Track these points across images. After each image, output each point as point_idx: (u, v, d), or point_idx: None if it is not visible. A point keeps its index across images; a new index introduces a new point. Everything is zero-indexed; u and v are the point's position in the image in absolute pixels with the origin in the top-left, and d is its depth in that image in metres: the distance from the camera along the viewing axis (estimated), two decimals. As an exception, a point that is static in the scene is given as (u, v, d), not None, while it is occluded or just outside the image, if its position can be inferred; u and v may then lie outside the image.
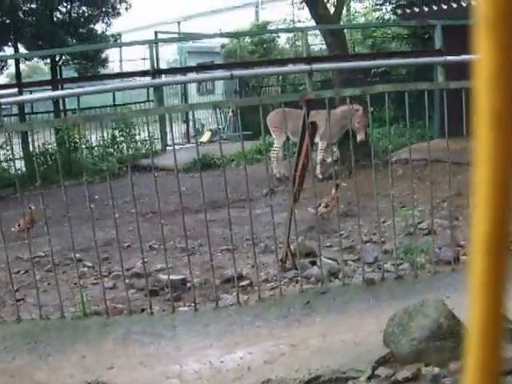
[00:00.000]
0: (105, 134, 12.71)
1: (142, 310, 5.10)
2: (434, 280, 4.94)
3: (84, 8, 12.87)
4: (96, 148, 12.87)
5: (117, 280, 6.30)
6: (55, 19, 12.56)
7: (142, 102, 14.25)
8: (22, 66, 15.57)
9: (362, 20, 16.43)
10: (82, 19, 12.75)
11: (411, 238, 6.87)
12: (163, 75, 12.09)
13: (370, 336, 4.11)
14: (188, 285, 5.70)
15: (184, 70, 13.16)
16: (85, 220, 9.10)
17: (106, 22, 13.15)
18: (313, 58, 5.33)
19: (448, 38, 11.34)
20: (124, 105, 14.36)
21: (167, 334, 4.55)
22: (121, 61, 18.08)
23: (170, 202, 10.05)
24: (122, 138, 13.29)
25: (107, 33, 13.37)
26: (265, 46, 16.53)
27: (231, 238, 5.54)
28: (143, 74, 12.24)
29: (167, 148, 13.92)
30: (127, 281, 6.28)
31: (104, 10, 12.89)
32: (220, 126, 15.77)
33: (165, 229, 8.21)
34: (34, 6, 12.16)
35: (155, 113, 10.68)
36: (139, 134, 13.60)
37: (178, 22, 19.90)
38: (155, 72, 11.80)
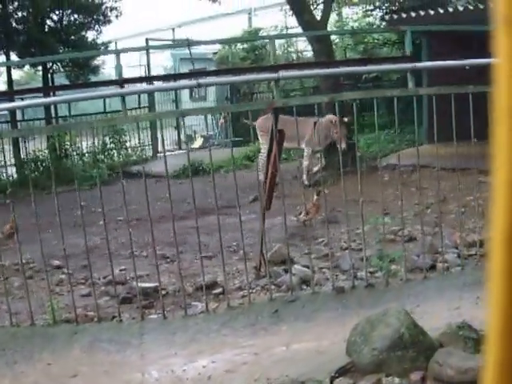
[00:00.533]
0: (96, 141, 12.92)
1: (113, 318, 5.10)
2: (405, 288, 4.93)
3: (75, 16, 12.92)
4: (87, 155, 12.91)
5: (93, 287, 6.30)
6: (47, 27, 12.62)
7: (133, 109, 14.27)
8: (19, 74, 15.64)
9: (354, 26, 16.45)
10: (74, 27, 12.79)
11: (390, 245, 6.90)
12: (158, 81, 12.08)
13: (335, 345, 4.10)
14: (164, 292, 5.70)
15: (174, 77, 13.15)
16: (70, 227, 9.13)
17: (97, 30, 13.23)
18: (281, 65, 5.37)
19: (438, 44, 11.37)
20: (116, 111, 14.38)
21: (134, 341, 4.55)
22: (117, 67, 18.05)
23: (156, 209, 10.06)
24: (112, 145, 13.33)
25: (98, 40, 13.42)
26: (256, 52, 16.58)
27: (201, 245, 5.51)
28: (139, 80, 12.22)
29: (158, 154, 13.95)
30: (103, 288, 6.31)
31: (95, 17, 12.94)
32: (211, 133, 15.81)
33: (148, 236, 8.32)
34: (25, 13, 12.21)
35: (144, 119, 10.72)
36: (130, 141, 13.64)
37: (173, 29, 19.95)
38: (148, 79, 11.79)
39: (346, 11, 16.34)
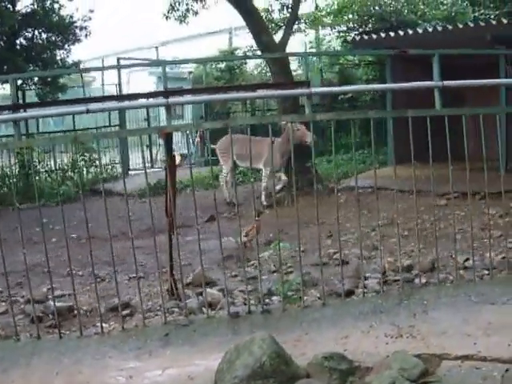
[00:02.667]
0: (65, 159, 13.02)
1: (17, 336, 5.09)
2: (301, 315, 4.88)
3: (46, 34, 13.07)
4: (56, 171, 12.98)
5: (12, 305, 6.30)
6: (18, 46, 12.78)
7: (103, 127, 14.37)
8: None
9: (329, 47, 16.54)
10: (44, 46, 12.92)
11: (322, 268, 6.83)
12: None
13: (207, 372, 4.07)
14: (75, 312, 5.69)
15: (150, 95, 13.22)
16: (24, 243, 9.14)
17: (65, 49, 13.36)
18: (171, 91, 5.39)
19: (402, 66, 11.38)
20: (85, 129, 14.47)
21: (22, 361, 4.53)
22: (103, 84, 18.32)
23: (112, 227, 10.05)
24: (82, 163, 13.39)
25: (68, 59, 13.55)
26: (232, 72, 16.65)
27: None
28: (112, 98, 12.28)
29: (129, 172, 14.00)
30: (22, 306, 6.32)
31: (65, 36, 13.09)
32: (185, 151, 15.88)
33: (93, 254, 8.33)
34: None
35: (111, 136, 10.80)
36: (100, 159, 13.63)
37: (156, 48, 20.14)
38: (119, 97, 11.85)
39: (323, 32, 16.45)
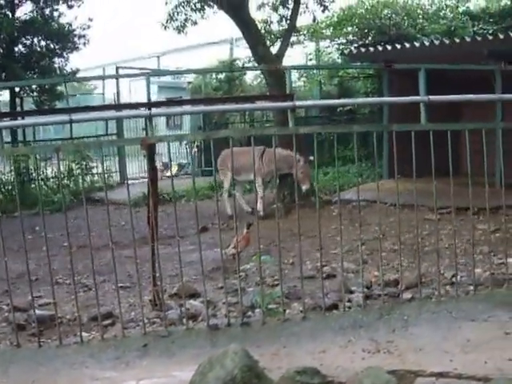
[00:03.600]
0: (62, 167, 12.98)
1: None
2: (280, 328, 4.85)
3: (45, 42, 13.13)
4: (51, 179, 13.00)
5: (-3, 313, 6.31)
6: (16, 53, 12.84)
7: (100, 136, 14.42)
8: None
9: (329, 59, 16.58)
10: (43, 53, 12.98)
11: (309, 281, 6.82)
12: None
13: (182, 383, 4.04)
14: (58, 320, 5.66)
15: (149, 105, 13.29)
16: (14, 251, 9.13)
17: (64, 57, 13.42)
18: (153, 103, 5.45)
19: (398, 80, 11.38)
20: (82, 138, 14.48)
21: (0, 369, 4.51)
22: (103, 93, 18.40)
23: (103, 237, 10.06)
24: (79, 171, 13.42)
25: (67, 67, 13.64)
26: (231, 82, 16.70)
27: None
28: (109, 107, 12.32)
29: (126, 181, 13.98)
30: (6, 314, 6.31)
31: (63, 44, 13.15)
32: (184, 161, 15.93)
33: (81, 263, 8.33)
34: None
35: (112, 144, 10.85)
36: (97, 167, 13.72)
37: (158, 57, 20.21)
38: (119, 106, 11.90)
39: (323, 44, 16.48)
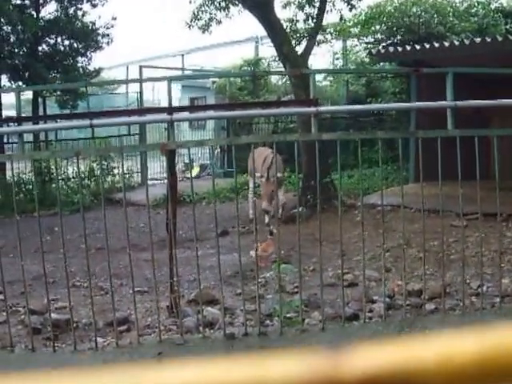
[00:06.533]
0: (82, 167, 12.96)
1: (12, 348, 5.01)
2: (298, 340, 4.68)
3: (69, 41, 13.11)
4: (72, 179, 12.96)
5: (13, 315, 6.22)
6: (40, 52, 12.84)
7: (123, 136, 14.36)
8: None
9: (355, 58, 16.29)
10: (67, 53, 12.96)
11: (329, 289, 6.63)
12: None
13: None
14: (74, 325, 5.57)
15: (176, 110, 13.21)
16: (31, 252, 9.09)
17: (87, 56, 13.38)
18: (175, 108, 5.35)
19: (426, 82, 11.09)
20: (104, 138, 14.45)
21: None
22: (127, 92, 18.37)
23: (122, 239, 9.97)
24: (99, 171, 13.37)
25: (90, 67, 13.59)
26: (256, 82, 16.51)
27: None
28: (131, 113, 12.25)
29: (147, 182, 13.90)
30: (23, 317, 6.23)
31: (87, 43, 13.12)
32: (207, 162, 15.81)
33: (98, 266, 8.24)
34: (19, 37, 12.42)
35: (133, 149, 10.82)
36: (118, 168, 13.64)
37: (182, 55, 20.11)
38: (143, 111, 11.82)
39: (351, 42, 16.20)
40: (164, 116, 5.17)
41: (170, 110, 5.04)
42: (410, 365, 0.51)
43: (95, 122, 5.09)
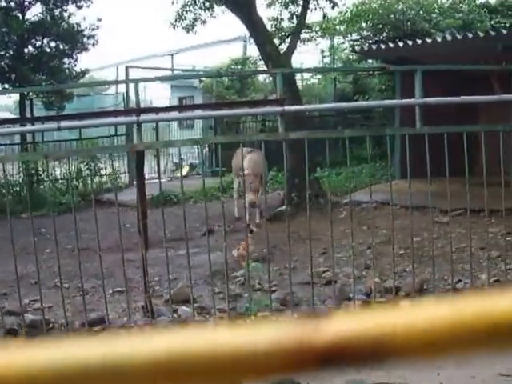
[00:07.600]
0: (70, 168, 13.02)
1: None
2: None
3: (54, 43, 13.11)
4: (60, 181, 12.98)
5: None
6: (26, 54, 12.84)
7: (110, 136, 14.37)
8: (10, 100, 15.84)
9: (343, 55, 16.35)
10: (52, 54, 12.97)
11: (307, 287, 6.65)
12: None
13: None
14: (50, 325, 5.63)
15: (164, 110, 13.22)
16: (17, 253, 9.10)
17: (73, 57, 13.38)
18: (142, 109, 5.41)
19: (408, 80, 11.09)
20: (93, 138, 14.44)
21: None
22: (117, 93, 18.41)
23: (107, 239, 9.98)
24: (87, 172, 13.38)
25: (76, 68, 13.59)
26: (243, 81, 16.54)
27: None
28: (123, 113, 12.26)
29: (135, 183, 13.83)
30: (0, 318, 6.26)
31: (72, 45, 13.11)
32: (196, 161, 15.82)
33: (81, 266, 8.25)
34: (5, 39, 12.44)
35: (102, 151, 10.89)
36: (106, 168, 13.66)
37: (171, 55, 20.12)
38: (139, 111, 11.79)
39: (338, 40, 16.21)
40: (131, 118, 5.22)
41: (138, 111, 5.07)
42: (380, 330, 0.53)
43: (63, 124, 5.15)
